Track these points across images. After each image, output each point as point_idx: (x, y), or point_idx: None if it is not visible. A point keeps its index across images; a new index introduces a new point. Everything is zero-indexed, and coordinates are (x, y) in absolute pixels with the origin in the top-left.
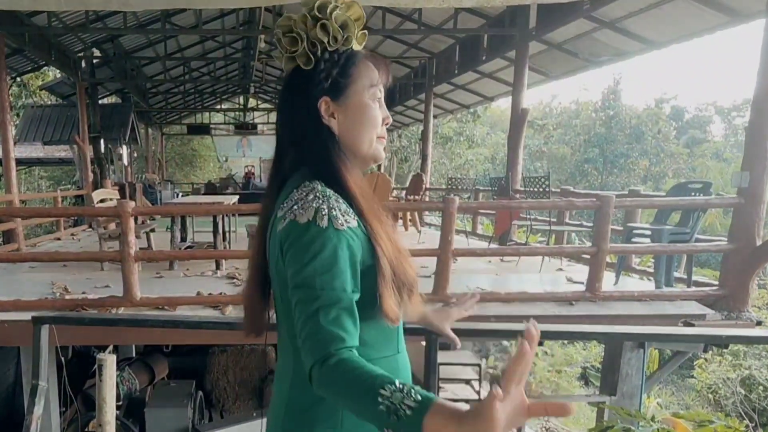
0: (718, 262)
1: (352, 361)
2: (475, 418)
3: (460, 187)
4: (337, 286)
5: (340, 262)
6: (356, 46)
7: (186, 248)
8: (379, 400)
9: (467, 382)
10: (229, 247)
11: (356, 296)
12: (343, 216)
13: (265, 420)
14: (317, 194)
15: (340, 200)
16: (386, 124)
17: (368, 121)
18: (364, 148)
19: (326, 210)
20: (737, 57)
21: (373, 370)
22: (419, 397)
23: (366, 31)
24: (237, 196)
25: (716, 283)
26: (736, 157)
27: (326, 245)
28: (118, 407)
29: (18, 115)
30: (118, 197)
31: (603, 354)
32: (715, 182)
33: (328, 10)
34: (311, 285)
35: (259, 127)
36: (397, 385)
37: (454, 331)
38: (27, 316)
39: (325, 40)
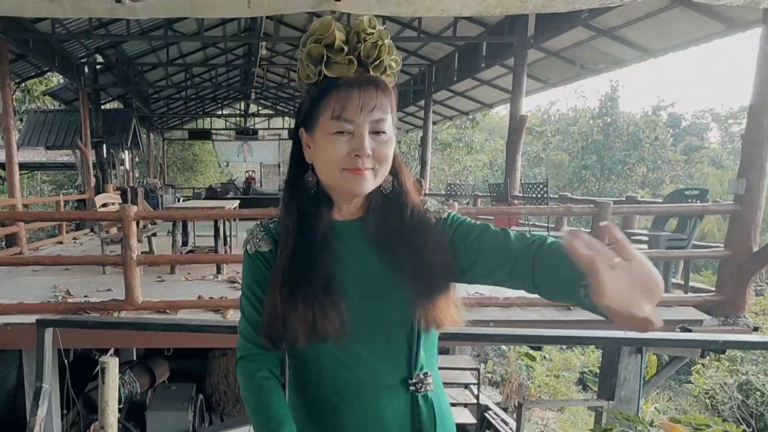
0: (714, 266)
1: (248, 382)
2: None
3: (458, 193)
4: (243, 297)
5: (245, 278)
6: (336, 74)
7: (187, 252)
8: None
9: (466, 386)
10: (230, 252)
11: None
12: (256, 242)
13: None
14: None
15: (269, 227)
16: (357, 156)
17: (326, 154)
18: (329, 181)
19: (248, 237)
20: (734, 65)
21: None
22: None
23: (351, 57)
24: (238, 201)
25: (713, 288)
26: (733, 164)
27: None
28: (119, 410)
29: (21, 120)
30: (120, 201)
31: (601, 359)
32: (714, 189)
33: (305, 43)
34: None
35: (260, 132)
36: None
37: (450, 335)
38: (30, 319)
39: (303, 75)
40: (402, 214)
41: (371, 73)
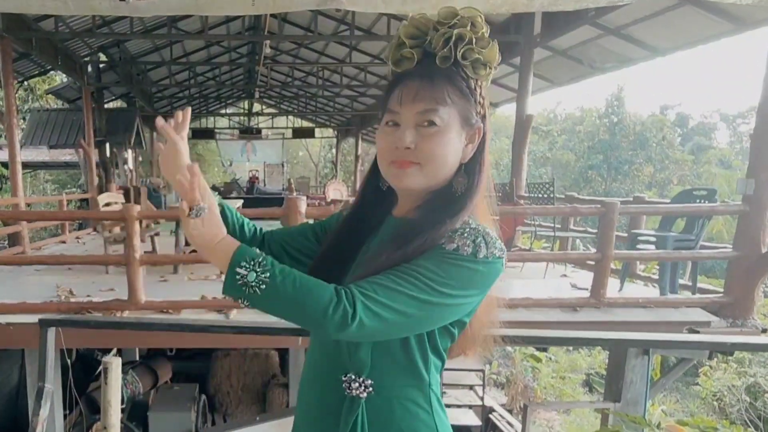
0: (723, 270)
1: None
2: None
3: None
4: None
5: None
6: (400, 68)
7: (190, 252)
8: None
9: (471, 387)
10: None
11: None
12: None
13: (267, 424)
14: None
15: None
16: (395, 148)
17: (378, 146)
18: (382, 173)
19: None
20: (742, 64)
21: None
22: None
23: (412, 51)
24: (241, 201)
25: (721, 290)
26: (742, 164)
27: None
28: (121, 410)
29: (24, 118)
30: (123, 201)
31: (607, 360)
32: (722, 190)
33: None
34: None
35: (264, 131)
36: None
37: None
38: (32, 318)
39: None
40: (433, 223)
41: (438, 64)
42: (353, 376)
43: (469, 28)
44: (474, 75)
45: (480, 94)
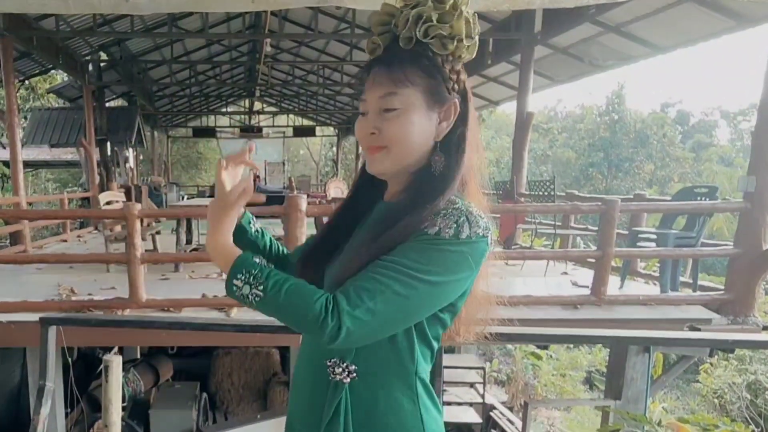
0: (723, 267)
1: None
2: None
3: None
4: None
5: None
6: (374, 56)
7: (191, 250)
8: None
9: (471, 385)
10: None
11: None
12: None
13: (268, 422)
14: None
15: None
16: (365, 135)
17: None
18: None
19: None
20: (743, 61)
21: None
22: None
23: (377, 38)
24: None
25: (722, 287)
26: (743, 162)
27: None
28: (123, 408)
29: (25, 117)
30: (124, 200)
31: (608, 358)
32: (723, 188)
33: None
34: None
35: (265, 130)
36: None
37: None
38: (34, 317)
39: None
40: (414, 205)
41: (402, 47)
42: (337, 361)
43: (430, 4)
44: (443, 51)
45: (452, 69)
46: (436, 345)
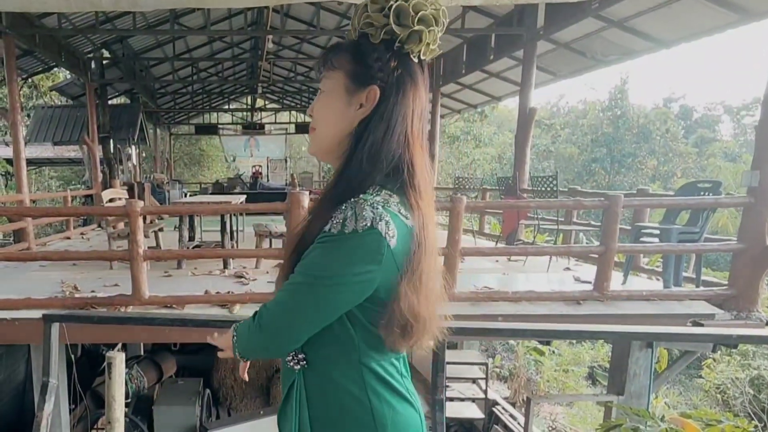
0: (727, 263)
1: None
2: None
3: (467, 187)
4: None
5: None
6: None
7: (194, 247)
8: None
9: (474, 380)
10: (237, 247)
11: None
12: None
13: (271, 418)
14: None
15: None
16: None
17: None
18: None
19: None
20: (747, 56)
21: None
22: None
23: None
24: (244, 196)
25: (725, 282)
26: (749, 157)
27: None
28: (126, 405)
29: (29, 115)
30: (127, 197)
31: (611, 353)
32: (728, 183)
33: None
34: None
35: (267, 127)
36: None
37: (459, 330)
38: (37, 314)
39: None
40: (327, 193)
41: (353, 37)
42: (294, 351)
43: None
44: (375, 40)
45: (378, 57)
46: (377, 332)
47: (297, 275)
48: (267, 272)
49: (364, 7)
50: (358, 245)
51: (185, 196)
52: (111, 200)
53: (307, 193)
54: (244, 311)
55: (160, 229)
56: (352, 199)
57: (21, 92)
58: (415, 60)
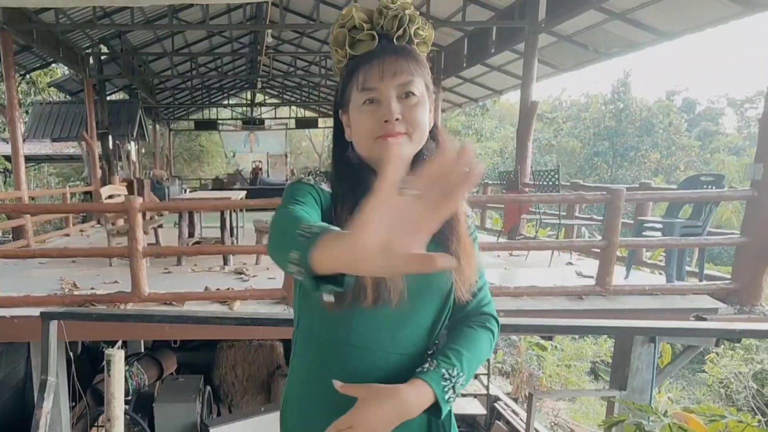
0: (730, 257)
1: (295, 209)
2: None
3: None
4: (292, 201)
5: (298, 196)
6: (360, 51)
7: (194, 244)
8: (299, 227)
9: (476, 376)
10: (237, 243)
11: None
12: (316, 179)
13: (272, 415)
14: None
15: (327, 174)
16: (387, 122)
17: (359, 126)
18: (368, 153)
19: (302, 174)
20: (750, 48)
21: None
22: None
23: (372, 33)
24: (244, 192)
25: (728, 276)
26: (752, 150)
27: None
28: (127, 402)
29: (27, 112)
30: (126, 193)
31: (613, 348)
32: (733, 177)
33: (332, 31)
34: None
35: (267, 122)
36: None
37: None
38: (36, 311)
39: (335, 61)
40: None
41: (396, 43)
42: (438, 345)
43: (413, 10)
44: (424, 51)
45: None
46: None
47: None
48: (267, 268)
49: (410, 19)
50: None
51: (185, 192)
52: (110, 197)
53: None
54: (244, 308)
55: (160, 226)
56: None
57: (19, 88)
58: None
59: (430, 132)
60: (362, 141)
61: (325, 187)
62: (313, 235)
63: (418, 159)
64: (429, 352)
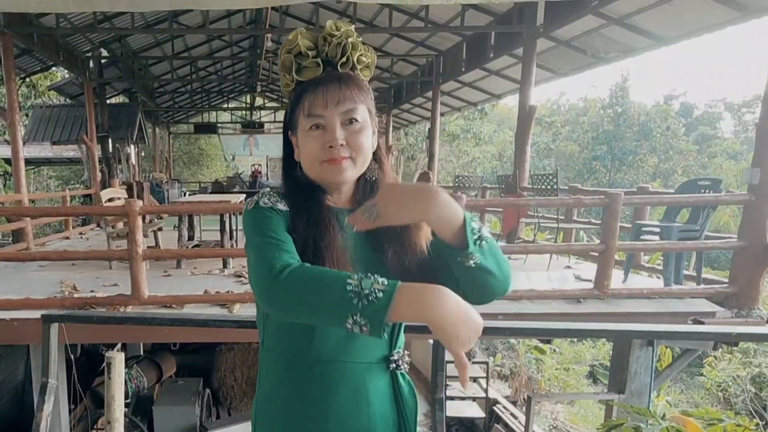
0: (728, 261)
1: (309, 266)
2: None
3: (467, 185)
4: (266, 235)
5: (263, 228)
6: (306, 77)
7: (193, 247)
8: (348, 287)
9: (474, 380)
10: (236, 246)
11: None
12: (272, 200)
13: None
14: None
15: (281, 193)
16: (332, 147)
17: (306, 150)
18: (313, 174)
19: (257, 197)
20: (747, 53)
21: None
22: (386, 282)
23: (317, 60)
24: (244, 195)
25: (726, 280)
26: (748, 153)
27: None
28: (126, 405)
29: (27, 115)
30: (126, 196)
31: (612, 352)
32: (730, 182)
33: (279, 56)
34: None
35: (266, 125)
36: (361, 275)
37: None
38: (36, 314)
39: (283, 84)
40: None
41: (340, 70)
42: (401, 352)
43: (355, 37)
44: (367, 76)
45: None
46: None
47: None
48: None
49: (352, 47)
50: None
51: (184, 195)
52: (110, 199)
53: None
54: (243, 311)
55: (159, 229)
56: None
57: (19, 91)
58: None
59: (374, 154)
60: (309, 164)
61: (281, 206)
62: (384, 292)
63: (361, 179)
64: (392, 358)
